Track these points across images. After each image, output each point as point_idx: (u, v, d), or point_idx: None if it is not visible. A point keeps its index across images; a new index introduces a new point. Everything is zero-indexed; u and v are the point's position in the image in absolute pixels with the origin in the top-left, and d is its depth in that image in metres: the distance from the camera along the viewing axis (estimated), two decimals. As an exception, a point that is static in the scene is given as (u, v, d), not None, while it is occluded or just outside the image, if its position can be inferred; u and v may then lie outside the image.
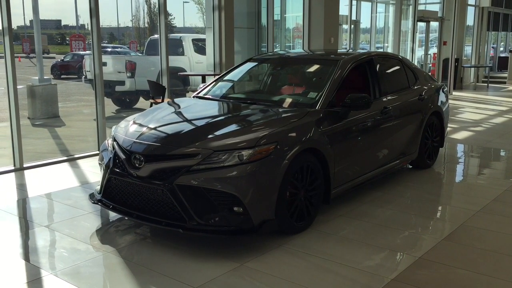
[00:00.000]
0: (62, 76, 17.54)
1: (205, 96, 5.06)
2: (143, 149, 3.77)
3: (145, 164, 3.70)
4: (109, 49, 17.75)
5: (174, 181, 3.55)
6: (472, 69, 17.07)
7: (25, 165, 5.94)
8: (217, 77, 5.55)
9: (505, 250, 3.69)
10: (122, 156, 3.88)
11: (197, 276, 3.25)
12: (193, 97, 5.17)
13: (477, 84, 17.10)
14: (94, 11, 6.50)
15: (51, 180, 5.51)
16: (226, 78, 5.43)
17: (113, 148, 4.04)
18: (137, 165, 3.75)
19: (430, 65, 15.84)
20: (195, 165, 3.56)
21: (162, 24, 7.58)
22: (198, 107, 4.73)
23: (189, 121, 4.35)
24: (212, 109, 4.64)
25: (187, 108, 4.70)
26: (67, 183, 5.37)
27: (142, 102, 11.61)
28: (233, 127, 3.98)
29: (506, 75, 18.20)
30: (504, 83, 17.91)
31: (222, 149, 3.61)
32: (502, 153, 7.16)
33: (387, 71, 5.62)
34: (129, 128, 4.13)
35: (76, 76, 16.18)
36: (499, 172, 6.20)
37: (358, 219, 4.29)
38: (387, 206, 4.64)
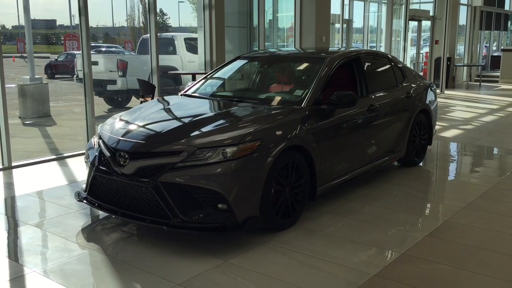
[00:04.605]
0: (56, 76, 17.53)
1: (193, 94, 5.07)
2: (128, 146, 3.78)
3: (129, 162, 3.71)
4: (103, 49, 17.74)
5: (158, 178, 3.55)
6: (465, 68, 17.14)
7: (13, 164, 5.93)
8: (205, 75, 5.56)
9: (488, 246, 3.72)
10: (107, 153, 3.88)
11: (180, 272, 3.26)
12: (181, 95, 5.18)
13: (469, 83, 17.17)
14: (83, 10, 6.50)
15: (39, 179, 5.50)
16: (214, 76, 5.44)
17: (99, 146, 4.05)
18: (121, 162, 3.75)
19: (423, 64, 15.89)
20: (180, 162, 3.57)
21: (152, 23, 7.58)
22: (185, 105, 4.74)
23: (175, 118, 4.35)
24: (198, 107, 4.64)
25: (174, 106, 4.70)
26: (55, 181, 5.37)
27: (134, 101, 11.60)
28: (218, 125, 3.99)
29: (499, 74, 18.29)
30: (497, 82, 17.99)
31: (206, 146, 3.62)
32: (490, 151, 7.21)
33: (374, 69, 5.64)
34: (114, 126, 4.13)
35: (70, 76, 16.18)
36: (487, 169, 6.24)
37: (344, 216, 4.31)
38: (373, 203, 4.67)
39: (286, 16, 11.29)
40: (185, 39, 12.45)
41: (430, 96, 6.17)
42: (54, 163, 6.19)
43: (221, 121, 4.10)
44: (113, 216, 4.11)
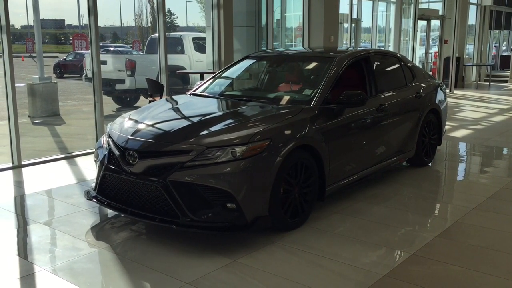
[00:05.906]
0: (65, 75, 17.62)
1: (201, 94, 5.07)
2: (137, 145, 3.79)
3: (139, 161, 3.71)
4: (111, 48, 17.81)
5: (167, 177, 3.56)
6: (474, 67, 17.03)
7: (23, 163, 5.97)
8: (213, 74, 5.56)
9: (498, 247, 3.68)
10: (116, 152, 3.89)
11: (189, 272, 3.26)
12: (190, 94, 5.18)
13: (479, 83, 17.06)
14: (92, 9, 6.52)
15: (49, 178, 5.53)
16: (222, 75, 5.44)
17: (108, 145, 4.06)
18: (131, 161, 3.76)
19: (432, 63, 15.81)
20: (189, 162, 3.57)
21: (160, 23, 7.60)
22: (194, 104, 4.74)
23: (184, 118, 4.36)
24: (207, 106, 4.64)
25: (183, 105, 4.71)
26: (65, 180, 5.39)
27: (142, 101, 11.64)
28: (227, 124, 3.99)
29: (508, 73, 18.15)
30: (506, 81, 17.87)
31: (215, 146, 3.61)
32: (501, 151, 7.15)
33: (384, 69, 5.61)
34: (124, 125, 4.14)
35: (79, 75, 16.25)
36: (497, 169, 6.19)
37: (353, 216, 4.29)
38: (383, 203, 4.64)
39: (294, 16, 11.27)
40: (193, 38, 12.48)
41: (439, 95, 6.14)
42: (63, 162, 6.22)
43: (230, 121, 4.10)
44: (122, 215, 4.13)
